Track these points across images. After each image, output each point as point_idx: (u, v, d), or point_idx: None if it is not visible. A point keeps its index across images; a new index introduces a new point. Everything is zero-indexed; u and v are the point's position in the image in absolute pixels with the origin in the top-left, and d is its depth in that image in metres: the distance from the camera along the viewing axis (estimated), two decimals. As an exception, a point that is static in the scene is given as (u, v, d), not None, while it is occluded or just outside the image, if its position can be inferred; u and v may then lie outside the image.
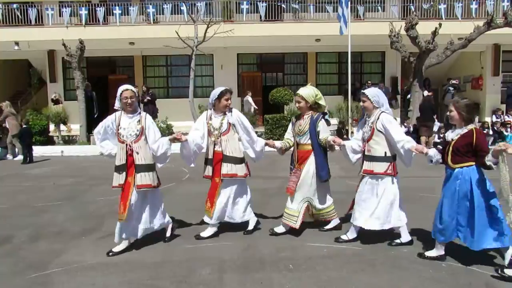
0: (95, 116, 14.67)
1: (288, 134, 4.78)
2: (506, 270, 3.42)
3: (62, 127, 14.97)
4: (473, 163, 3.55)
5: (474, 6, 15.16)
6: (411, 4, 15.52)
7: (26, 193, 7.12)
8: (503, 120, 14.86)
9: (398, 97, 16.83)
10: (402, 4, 16.04)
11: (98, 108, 14.98)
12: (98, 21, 15.22)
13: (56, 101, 13.00)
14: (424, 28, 13.39)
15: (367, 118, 4.33)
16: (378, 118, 4.16)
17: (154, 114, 14.78)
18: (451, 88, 15.41)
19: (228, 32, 13.51)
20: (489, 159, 3.40)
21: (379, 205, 4.13)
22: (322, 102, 4.56)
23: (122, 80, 16.52)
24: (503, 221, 3.44)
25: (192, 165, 4.60)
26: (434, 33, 13.07)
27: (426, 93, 15.06)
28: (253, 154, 4.67)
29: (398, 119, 15.05)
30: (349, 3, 13.64)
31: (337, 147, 4.49)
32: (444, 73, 18.17)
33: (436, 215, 3.85)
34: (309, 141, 4.49)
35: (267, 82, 17.97)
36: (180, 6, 15.11)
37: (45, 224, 5.18)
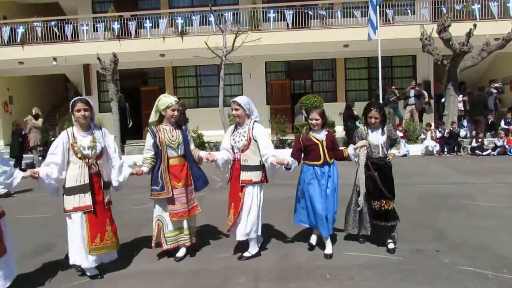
0: (130, 125, 15.08)
1: (149, 152, 4.19)
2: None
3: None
4: (334, 157, 4.31)
5: (511, 4, 14.57)
6: (442, 6, 15.12)
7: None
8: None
9: (432, 101, 16.35)
10: (433, 6, 15.64)
11: (131, 119, 15.38)
12: (130, 34, 15.70)
13: (36, 116, 13.18)
14: (458, 29, 12.99)
15: (239, 128, 4.26)
16: (252, 128, 4.18)
17: (184, 124, 15.03)
18: (494, 91, 14.83)
19: (256, 41, 13.60)
20: (352, 153, 4.27)
21: (258, 213, 4.18)
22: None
23: (153, 91, 16.95)
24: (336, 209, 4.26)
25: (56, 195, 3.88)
26: (469, 34, 12.66)
27: (460, 97, 14.62)
28: (116, 182, 4.00)
29: (432, 124, 14.63)
30: (378, 7, 13.44)
31: (205, 161, 4.26)
32: (480, 75, 17.53)
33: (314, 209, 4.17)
34: (184, 153, 4.23)
35: (295, 90, 17.90)
36: (208, 17, 15.37)
37: (84, 233, 5.32)
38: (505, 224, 5.10)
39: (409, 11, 15.62)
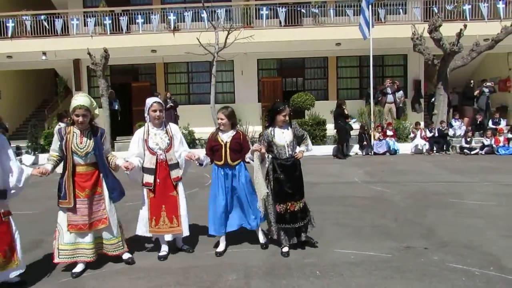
0: (119, 119, 15.02)
1: (54, 152, 3.83)
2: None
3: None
4: (240, 159, 4.28)
5: (501, 5, 14.74)
6: (434, 6, 15.24)
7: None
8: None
9: (422, 100, 16.51)
10: (424, 6, 15.77)
11: (120, 115, 15.27)
12: (121, 30, 15.55)
13: None
14: (448, 29, 13.13)
15: (154, 129, 4.21)
16: (170, 127, 4.30)
17: (175, 120, 14.97)
18: (486, 90, 15.00)
19: (248, 38, 13.58)
20: (248, 156, 4.22)
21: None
22: (97, 111, 3.99)
23: (145, 87, 16.87)
24: (257, 207, 4.22)
25: None
26: (459, 34, 12.81)
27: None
28: (17, 190, 3.56)
29: (422, 123, 14.77)
30: (370, 6, 13.50)
31: (124, 169, 3.98)
32: (469, 75, 17.74)
33: (217, 213, 4.26)
34: (95, 160, 3.85)
35: (287, 87, 17.94)
36: (200, 14, 15.29)
37: (73, 229, 5.27)
38: (492, 222, 5.18)
39: (400, 10, 15.75)
